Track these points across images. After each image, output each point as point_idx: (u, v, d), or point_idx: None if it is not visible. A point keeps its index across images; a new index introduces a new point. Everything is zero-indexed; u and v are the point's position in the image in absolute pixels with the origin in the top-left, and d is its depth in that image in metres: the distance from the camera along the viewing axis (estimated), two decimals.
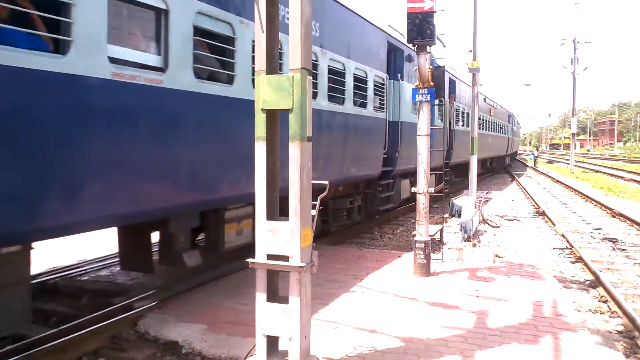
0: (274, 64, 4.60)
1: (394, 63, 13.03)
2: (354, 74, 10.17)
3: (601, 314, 7.53)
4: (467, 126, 21.45)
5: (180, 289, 7.13)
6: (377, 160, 11.88)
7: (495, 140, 33.98)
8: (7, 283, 4.54)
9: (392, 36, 12.42)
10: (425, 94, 7.88)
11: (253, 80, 5.29)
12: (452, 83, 19.28)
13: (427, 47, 7.77)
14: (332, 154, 9.46)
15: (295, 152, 4.35)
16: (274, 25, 4.58)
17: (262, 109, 4.46)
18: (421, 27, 7.41)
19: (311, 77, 4.50)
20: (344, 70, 9.73)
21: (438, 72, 8.01)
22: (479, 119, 22.44)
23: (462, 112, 21.75)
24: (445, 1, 8.14)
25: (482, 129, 25.89)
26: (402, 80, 13.12)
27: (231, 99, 6.49)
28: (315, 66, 8.45)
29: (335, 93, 9.50)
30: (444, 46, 8.70)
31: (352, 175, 10.68)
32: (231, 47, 6.48)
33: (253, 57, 4.99)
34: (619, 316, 7.29)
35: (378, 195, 12.53)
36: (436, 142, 11.64)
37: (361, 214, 12.64)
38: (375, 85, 11.39)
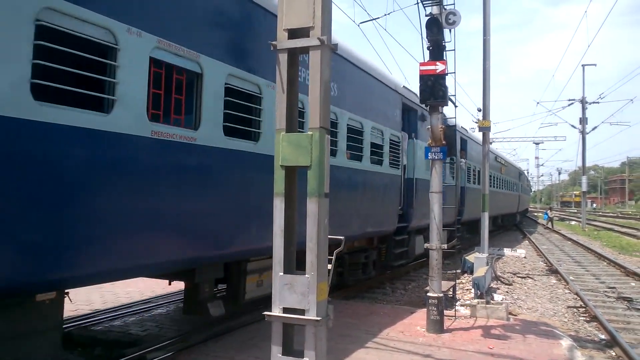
0: (294, 123, 4.81)
1: (409, 122, 13.61)
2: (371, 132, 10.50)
3: None
4: (478, 183, 21.67)
5: (193, 340, 7.14)
6: (394, 216, 12.04)
7: (506, 198, 33.99)
8: (40, 330, 4.62)
9: (406, 97, 12.82)
10: (437, 152, 8.08)
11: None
12: (462, 142, 19.89)
13: (440, 107, 8.03)
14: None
15: (313, 207, 4.50)
16: (294, 87, 4.82)
17: (282, 166, 4.64)
18: (433, 89, 7.69)
19: (329, 136, 4.71)
20: (362, 129, 10.02)
21: (450, 131, 8.23)
22: (491, 176, 22.76)
23: (473, 170, 21.86)
24: (455, 64, 8.46)
25: (493, 186, 26.32)
26: (417, 139, 13.56)
27: None
28: (334, 125, 8.78)
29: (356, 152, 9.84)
30: (456, 106, 8.96)
31: (365, 232, 10.69)
32: None
33: None
34: None
35: (392, 251, 12.63)
36: (448, 199, 11.85)
37: (375, 269, 12.52)
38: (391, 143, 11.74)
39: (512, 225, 41.70)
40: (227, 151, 6.20)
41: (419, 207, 13.27)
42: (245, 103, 6.62)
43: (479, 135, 24.73)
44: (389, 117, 11.62)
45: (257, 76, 6.75)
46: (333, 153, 8.66)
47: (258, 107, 6.79)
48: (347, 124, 9.28)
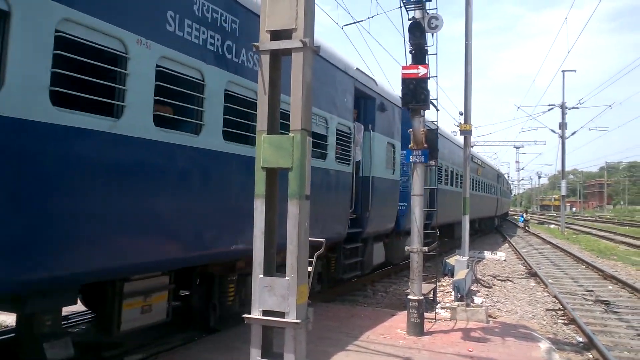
0: (275, 125, 4.80)
1: (365, 112, 11.80)
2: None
3: None
4: (451, 185, 21.01)
5: (174, 343, 7.07)
6: (342, 221, 10.30)
7: (483, 201, 32.38)
8: None
9: (360, 81, 10.95)
10: (419, 155, 8.11)
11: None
12: None
13: (421, 110, 8.08)
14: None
15: (293, 209, 4.48)
16: (276, 88, 4.81)
17: (262, 167, 4.62)
18: (415, 92, 7.74)
19: (311, 138, 4.70)
20: None
21: (432, 134, 8.28)
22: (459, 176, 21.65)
23: (445, 170, 20.07)
24: (437, 68, 8.52)
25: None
26: (374, 131, 11.80)
27: None
28: (250, 104, 6.90)
29: None
30: (437, 110, 9.02)
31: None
32: None
33: None
34: None
35: (343, 262, 11.01)
36: None
37: (321, 282, 10.97)
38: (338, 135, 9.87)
39: (490, 230, 42.04)
40: (56, 128, 4.43)
41: (376, 210, 11.72)
42: (97, 63, 4.85)
43: (451, 132, 24.49)
44: (336, 103, 9.62)
45: (120, 27, 4.99)
46: (250, 141, 6.93)
47: (121, 70, 5.06)
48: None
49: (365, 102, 11.75)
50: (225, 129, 6.47)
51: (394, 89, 13.51)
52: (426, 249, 8.37)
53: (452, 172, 21.14)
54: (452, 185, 21.12)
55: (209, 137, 6.24)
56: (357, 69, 10.83)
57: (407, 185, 13.62)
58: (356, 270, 11.76)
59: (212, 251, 6.46)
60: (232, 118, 6.62)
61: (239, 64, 6.84)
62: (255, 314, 4.54)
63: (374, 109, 11.82)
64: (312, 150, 8.47)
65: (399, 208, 13.75)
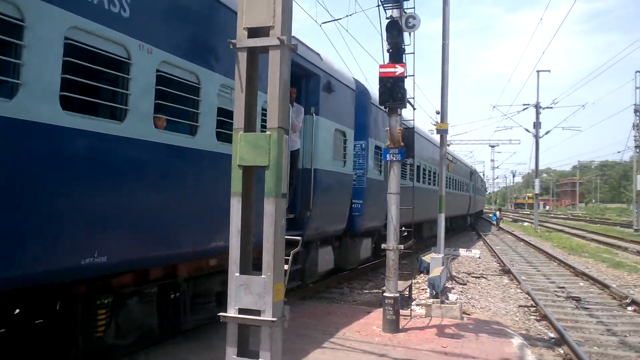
0: (252, 122, 4.78)
1: (306, 91, 9.91)
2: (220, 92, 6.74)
3: None
4: (419, 181, 19.86)
5: (148, 341, 6.98)
6: None
7: (455, 199, 30.65)
8: None
9: (299, 54, 8.88)
10: (396, 153, 8.18)
11: None
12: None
13: (398, 109, 8.14)
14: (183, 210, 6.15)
15: (270, 208, 4.48)
16: (253, 86, 4.79)
17: (239, 165, 4.60)
18: (392, 91, 7.79)
19: (288, 136, 4.69)
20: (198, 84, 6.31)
21: (408, 133, 8.35)
22: (432, 173, 21.56)
23: (410, 165, 17.99)
24: (414, 67, 8.59)
25: (436, 185, 20.47)
26: (318, 115, 9.86)
27: None
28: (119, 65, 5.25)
29: (184, 119, 6.22)
30: (414, 109, 9.09)
31: (219, 246, 6.61)
32: None
33: None
34: None
35: None
36: (378, 199, 10.78)
37: None
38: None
39: (463, 229, 41.90)
40: None
41: (321, 209, 9.93)
42: None
43: (422, 127, 24.18)
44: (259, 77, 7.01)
45: None
46: (115, 113, 5.27)
47: None
48: (160, 70, 5.66)
49: (307, 80, 9.84)
50: (66, 94, 4.62)
51: (371, 87, 13.25)
52: (402, 246, 8.44)
53: (418, 166, 19.50)
54: (419, 181, 19.45)
55: (35, 103, 4.31)
56: (293, 37, 9.10)
57: (363, 180, 12.51)
58: (295, 280, 9.81)
59: (40, 268, 4.49)
60: (80, 80, 4.81)
61: (88, 2, 4.79)
62: (231, 312, 4.53)
63: (318, 88, 9.85)
64: (221, 131, 6.72)
65: (353, 206, 12.06)
